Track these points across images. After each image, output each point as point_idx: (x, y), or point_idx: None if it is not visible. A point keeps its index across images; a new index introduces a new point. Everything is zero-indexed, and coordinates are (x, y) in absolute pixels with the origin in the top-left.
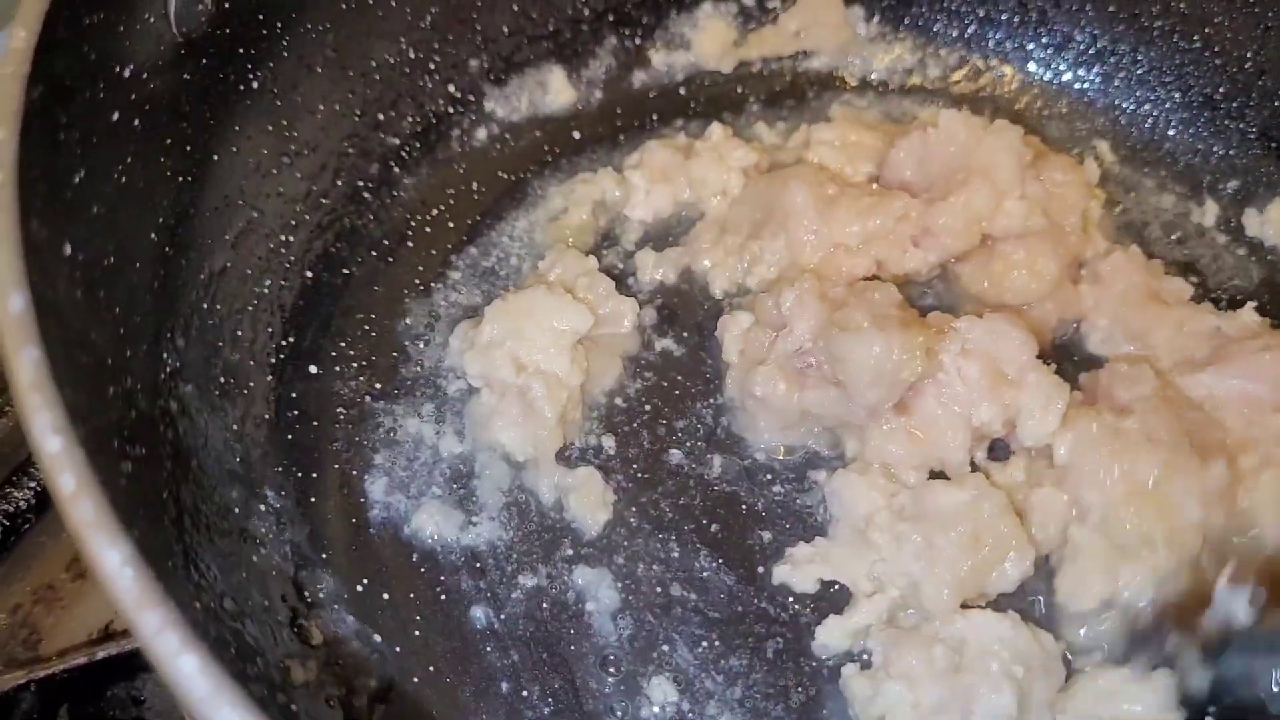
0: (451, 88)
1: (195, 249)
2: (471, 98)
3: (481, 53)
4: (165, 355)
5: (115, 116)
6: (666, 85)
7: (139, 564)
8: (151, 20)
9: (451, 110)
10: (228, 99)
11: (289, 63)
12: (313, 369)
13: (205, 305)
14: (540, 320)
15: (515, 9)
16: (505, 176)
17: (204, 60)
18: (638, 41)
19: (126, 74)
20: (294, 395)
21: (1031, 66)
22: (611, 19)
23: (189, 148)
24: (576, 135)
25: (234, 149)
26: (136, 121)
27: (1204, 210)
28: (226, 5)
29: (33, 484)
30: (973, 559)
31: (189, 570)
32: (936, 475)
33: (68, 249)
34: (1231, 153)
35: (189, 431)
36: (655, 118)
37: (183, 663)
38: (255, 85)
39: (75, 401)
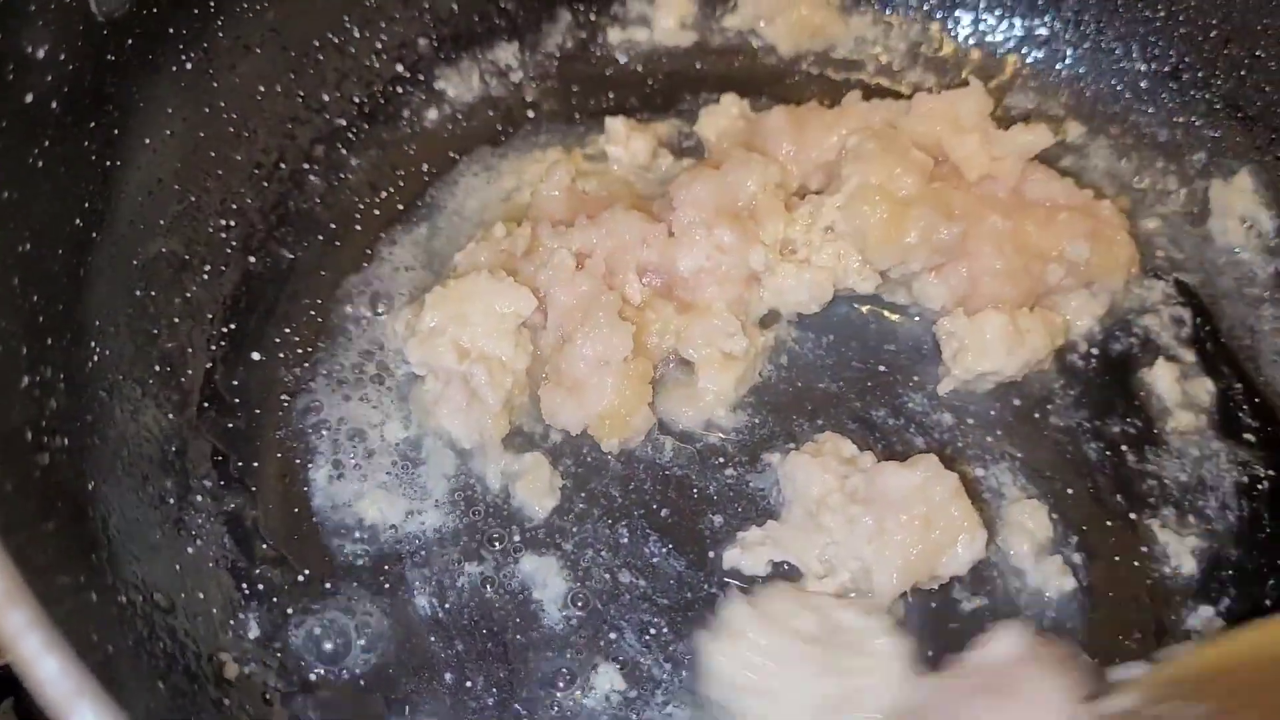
0: (400, 67)
1: (126, 235)
2: (421, 77)
3: (431, 31)
4: (93, 344)
5: (28, 98)
6: (623, 63)
7: (5, 562)
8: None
9: (400, 90)
10: (158, 81)
11: (224, 43)
12: (255, 355)
13: (139, 293)
14: (483, 305)
15: None
16: (456, 157)
17: (130, 41)
18: (593, 18)
19: (40, 55)
20: (235, 383)
21: (996, 38)
22: None
23: (115, 131)
24: (530, 115)
25: (167, 131)
26: (54, 104)
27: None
28: None
29: None
30: (923, 542)
31: (115, 563)
32: None
33: None
34: (1197, 122)
35: (120, 421)
36: (611, 96)
37: (44, 665)
38: (189, 66)
39: None
